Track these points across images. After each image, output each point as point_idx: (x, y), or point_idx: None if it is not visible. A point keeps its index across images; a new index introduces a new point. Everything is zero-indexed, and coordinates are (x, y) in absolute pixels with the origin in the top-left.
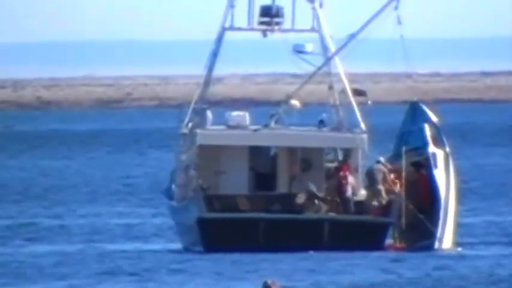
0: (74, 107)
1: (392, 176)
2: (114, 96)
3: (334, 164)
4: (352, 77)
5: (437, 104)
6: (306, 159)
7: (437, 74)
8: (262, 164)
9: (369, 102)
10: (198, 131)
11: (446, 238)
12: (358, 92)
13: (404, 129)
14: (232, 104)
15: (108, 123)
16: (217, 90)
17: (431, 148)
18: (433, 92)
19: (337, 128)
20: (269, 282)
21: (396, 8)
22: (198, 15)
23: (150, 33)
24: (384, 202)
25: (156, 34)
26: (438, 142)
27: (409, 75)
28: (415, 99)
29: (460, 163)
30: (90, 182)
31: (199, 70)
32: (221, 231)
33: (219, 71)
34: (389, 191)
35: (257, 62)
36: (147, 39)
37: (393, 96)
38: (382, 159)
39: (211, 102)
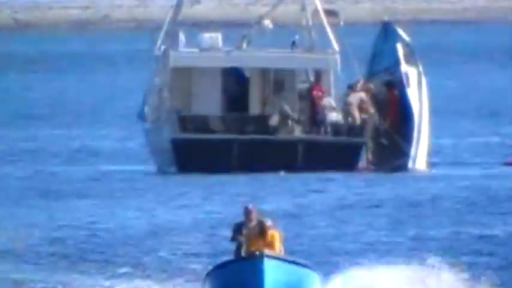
0: (52, 29)
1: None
2: (92, 18)
3: (306, 85)
4: None
5: (415, 24)
6: (278, 81)
7: None
8: (234, 85)
9: (341, 22)
10: (171, 52)
11: (419, 158)
12: (330, 13)
13: (376, 49)
14: (207, 25)
15: (84, 46)
16: (194, 12)
17: (404, 67)
18: (412, 12)
19: (310, 50)
20: (250, 206)
21: None
22: None
23: None
24: (357, 123)
25: None
26: (411, 61)
27: None
28: (386, 19)
29: (431, 82)
30: (56, 104)
31: None
32: (195, 152)
33: None
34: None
35: None
36: None
37: (372, 17)
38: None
39: (187, 24)
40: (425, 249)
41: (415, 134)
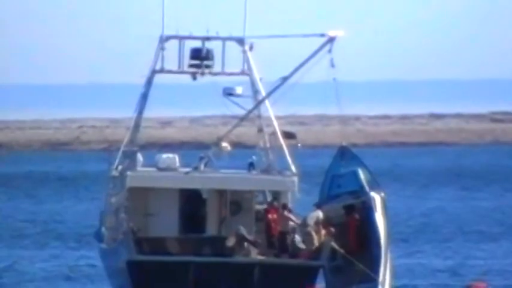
0: (24, 149)
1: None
2: (63, 138)
3: (263, 207)
4: (301, 119)
5: (386, 146)
6: (235, 202)
7: (386, 117)
8: (192, 206)
9: (299, 145)
10: (128, 173)
11: (387, 282)
12: (287, 135)
13: (334, 172)
14: (179, 146)
15: (55, 165)
16: (165, 133)
17: (370, 192)
18: (382, 134)
19: (267, 171)
20: None
21: (330, 51)
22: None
23: (95, 76)
24: (314, 246)
25: (100, 77)
26: (373, 186)
27: (357, 118)
28: (344, 143)
29: (394, 205)
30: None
31: (147, 113)
32: (151, 274)
33: (168, 114)
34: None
35: (207, 104)
36: (93, 81)
37: (342, 139)
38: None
39: (159, 146)
40: None
41: (382, 259)
